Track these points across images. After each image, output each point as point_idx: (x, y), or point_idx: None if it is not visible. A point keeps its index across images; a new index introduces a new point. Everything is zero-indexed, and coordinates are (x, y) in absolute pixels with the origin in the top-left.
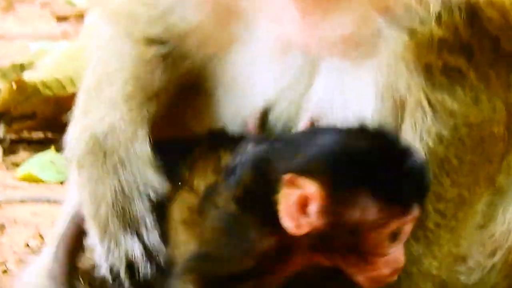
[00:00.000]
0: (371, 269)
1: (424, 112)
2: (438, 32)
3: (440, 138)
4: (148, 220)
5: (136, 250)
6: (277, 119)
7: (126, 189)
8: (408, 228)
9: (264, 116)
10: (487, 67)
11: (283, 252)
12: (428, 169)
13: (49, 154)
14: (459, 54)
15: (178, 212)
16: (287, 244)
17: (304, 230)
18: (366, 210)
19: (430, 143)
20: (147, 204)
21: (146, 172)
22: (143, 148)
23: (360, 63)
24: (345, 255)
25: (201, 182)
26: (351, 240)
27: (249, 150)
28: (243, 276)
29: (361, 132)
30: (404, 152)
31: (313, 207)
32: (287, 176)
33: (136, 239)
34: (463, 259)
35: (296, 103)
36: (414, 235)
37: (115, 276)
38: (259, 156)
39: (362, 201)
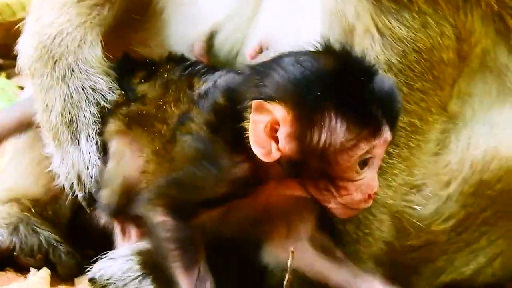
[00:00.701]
0: (342, 195)
1: (373, 39)
2: None
3: (389, 65)
4: (91, 130)
5: (80, 161)
6: (223, 43)
7: (74, 96)
8: (379, 152)
9: (210, 40)
10: None
11: (255, 179)
12: (398, 92)
13: (0, 81)
14: None
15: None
16: (259, 171)
17: (273, 156)
18: (334, 132)
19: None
20: (94, 112)
21: (94, 78)
22: (92, 53)
23: None
24: (317, 181)
25: (174, 110)
26: (321, 165)
27: (219, 77)
28: (214, 202)
29: (326, 53)
30: (372, 73)
31: (282, 132)
32: (255, 102)
33: (79, 149)
34: (418, 189)
35: (243, 27)
36: None
37: (71, 186)
38: (229, 84)
39: (330, 122)
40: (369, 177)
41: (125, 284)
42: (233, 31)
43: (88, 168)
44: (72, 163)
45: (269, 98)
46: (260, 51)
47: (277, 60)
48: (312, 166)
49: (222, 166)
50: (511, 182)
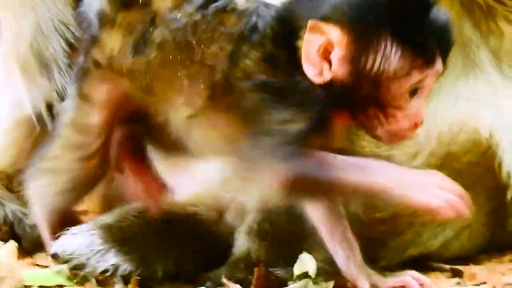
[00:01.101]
0: (391, 122)
1: None
2: None
3: None
4: (61, 63)
5: (52, 92)
6: None
7: (44, 27)
8: (430, 82)
9: None
10: None
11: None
12: (452, 26)
13: None
14: None
15: None
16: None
17: (325, 77)
18: (388, 58)
19: None
20: (64, 45)
21: (65, 10)
22: None
23: None
24: (366, 108)
25: (216, 52)
26: (372, 91)
27: (257, 8)
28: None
29: None
30: (429, 4)
31: (336, 53)
32: (311, 22)
33: (50, 80)
34: (385, 160)
35: None
36: None
37: (38, 116)
38: (282, 7)
39: (385, 48)
40: (417, 106)
41: (88, 258)
42: None
43: (61, 98)
44: (42, 92)
45: (325, 19)
46: None
47: None
48: (363, 92)
49: (298, 100)
50: (478, 154)
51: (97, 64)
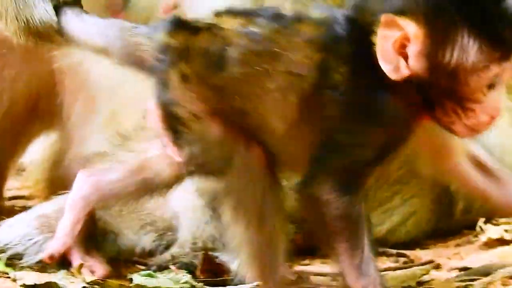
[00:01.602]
0: (469, 116)
1: None
2: None
3: None
4: None
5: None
6: None
7: None
8: (508, 75)
9: None
10: None
11: (409, 113)
12: None
13: None
14: None
15: None
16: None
17: (402, 73)
18: (466, 51)
19: None
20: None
21: None
22: None
23: None
24: (444, 102)
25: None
26: (450, 85)
27: (328, 12)
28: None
29: None
30: None
31: (412, 49)
32: (385, 16)
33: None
34: None
35: None
36: None
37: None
38: (354, 5)
39: (462, 41)
40: (494, 99)
41: (26, 249)
42: None
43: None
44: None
45: (400, 13)
46: (174, 7)
47: None
48: (441, 86)
49: (381, 108)
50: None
51: (185, 78)
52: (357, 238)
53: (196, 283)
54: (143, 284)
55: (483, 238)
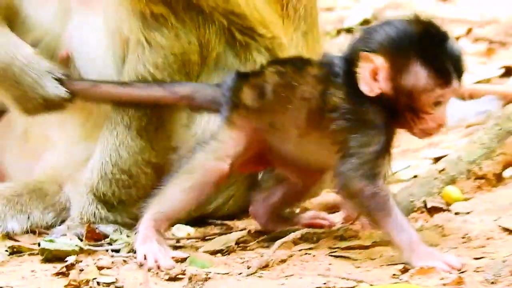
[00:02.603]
0: (422, 123)
1: (143, 47)
2: None
3: (156, 65)
4: None
5: None
6: (46, 49)
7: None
8: (448, 96)
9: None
10: (182, 13)
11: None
12: (463, 54)
13: None
14: (161, 4)
15: None
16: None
17: (375, 92)
18: (418, 77)
19: (151, 69)
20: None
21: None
22: None
23: (97, 13)
24: (404, 113)
25: (310, 90)
26: (408, 101)
27: (327, 57)
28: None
29: (415, 21)
30: (446, 37)
31: (381, 75)
32: (362, 54)
33: None
34: (174, 150)
35: (57, 38)
36: (139, 133)
37: None
38: (348, 49)
39: (415, 70)
40: (440, 113)
41: None
42: (50, 41)
43: None
44: None
45: (372, 51)
46: (67, 56)
47: (380, 25)
48: (402, 102)
49: (376, 118)
50: None
51: (243, 106)
52: (389, 209)
53: (83, 245)
54: (47, 248)
55: None
